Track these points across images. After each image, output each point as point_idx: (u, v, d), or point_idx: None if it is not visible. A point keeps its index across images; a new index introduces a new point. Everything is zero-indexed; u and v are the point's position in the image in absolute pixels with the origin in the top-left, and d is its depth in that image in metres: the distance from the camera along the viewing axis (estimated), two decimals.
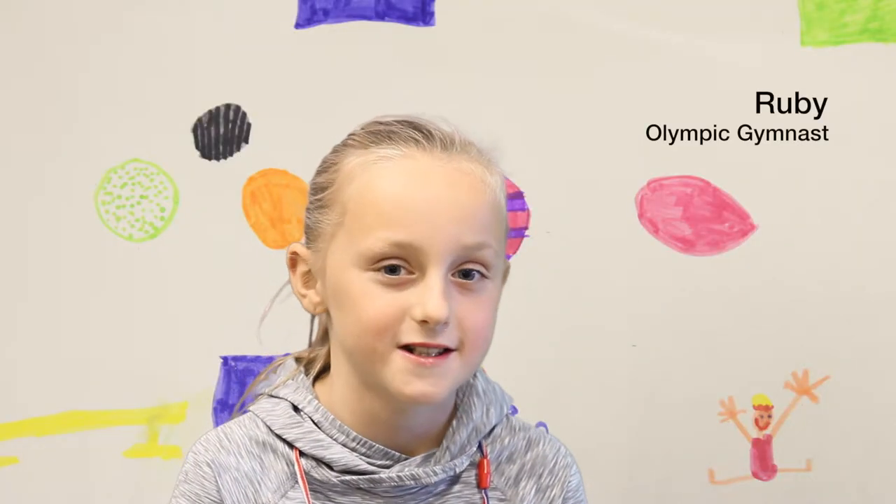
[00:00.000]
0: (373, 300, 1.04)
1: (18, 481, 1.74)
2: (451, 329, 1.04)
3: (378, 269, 1.04)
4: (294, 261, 1.14)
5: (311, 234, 1.12)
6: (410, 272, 1.04)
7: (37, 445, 1.74)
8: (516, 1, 1.72)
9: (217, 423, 1.73)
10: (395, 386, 1.05)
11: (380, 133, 1.09)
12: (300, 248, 1.13)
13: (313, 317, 1.20)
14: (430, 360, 1.04)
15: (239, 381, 1.72)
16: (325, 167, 1.12)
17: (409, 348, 1.04)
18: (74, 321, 1.74)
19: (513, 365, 1.68)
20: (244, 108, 1.74)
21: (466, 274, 1.06)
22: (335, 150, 1.13)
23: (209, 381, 1.74)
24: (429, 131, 1.09)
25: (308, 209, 1.13)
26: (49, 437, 1.74)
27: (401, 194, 1.05)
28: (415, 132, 1.09)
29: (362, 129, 1.12)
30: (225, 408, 1.73)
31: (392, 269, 1.04)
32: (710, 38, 1.70)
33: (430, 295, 1.03)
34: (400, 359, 1.04)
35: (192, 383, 1.73)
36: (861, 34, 1.68)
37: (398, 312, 1.04)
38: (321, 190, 1.11)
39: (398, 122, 1.10)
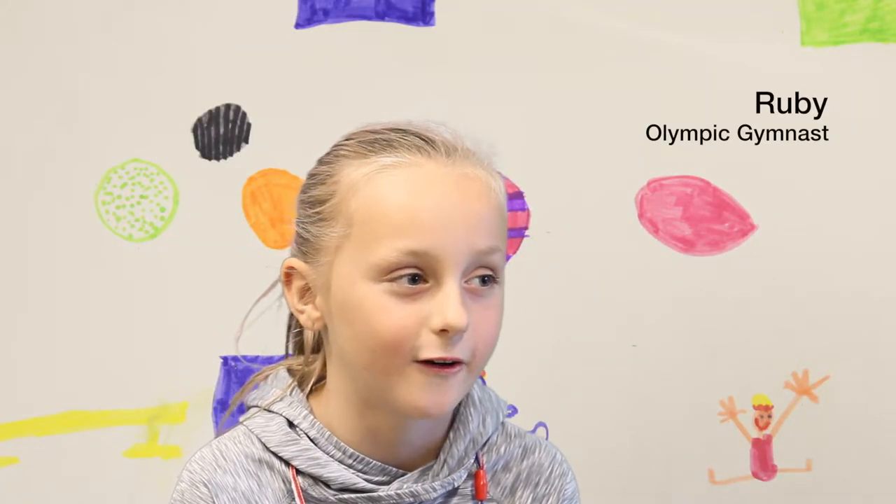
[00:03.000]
0: (389, 313, 1.02)
1: (18, 481, 1.74)
2: (467, 338, 1.03)
3: (392, 280, 1.02)
4: (290, 275, 1.11)
5: (311, 248, 1.09)
6: (424, 281, 1.03)
7: (37, 445, 1.74)
8: (516, 1, 1.72)
9: (217, 423, 1.73)
10: (410, 398, 1.03)
11: (377, 142, 1.07)
12: (297, 263, 1.10)
13: (289, 328, 1.18)
14: (446, 368, 1.03)
15: (239, 381, 1.72)
16: (321, 179, 1.09)
17: (425, 362, 1.03)
18: (74, 321, 1.74)
19: (513, 365, 1.68)
20: (244, 108, 1.74)
21: (483, 281, 1.05)
22: (326, 162, 1.10)
23: (209, 381, 1.74)
24: (429, 137, 1.07)
25: (303, 223, 1.10)
26: (49, 437, 1.74)
27: (412, 203, 1.03)
28: (415, 139, 1.07)
29: (352, 139, 1.10)
30: (225, 408, 1.73)
31: (413, 279, 1.02)
32: (710, 38, 1.70)
33: (449, 303, 1.02)
34: (417, 372, 1.03)
35: (192, 383, 1.73)
36: (861, 34, 1.68)
37: (415, 324, 1.02)
38: (320, 203, 1.08)
39: (392, 129, 1.09)
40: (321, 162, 1.11)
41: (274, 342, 1.22)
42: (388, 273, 1.03)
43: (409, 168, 1.05)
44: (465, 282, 1.04)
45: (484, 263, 1.05)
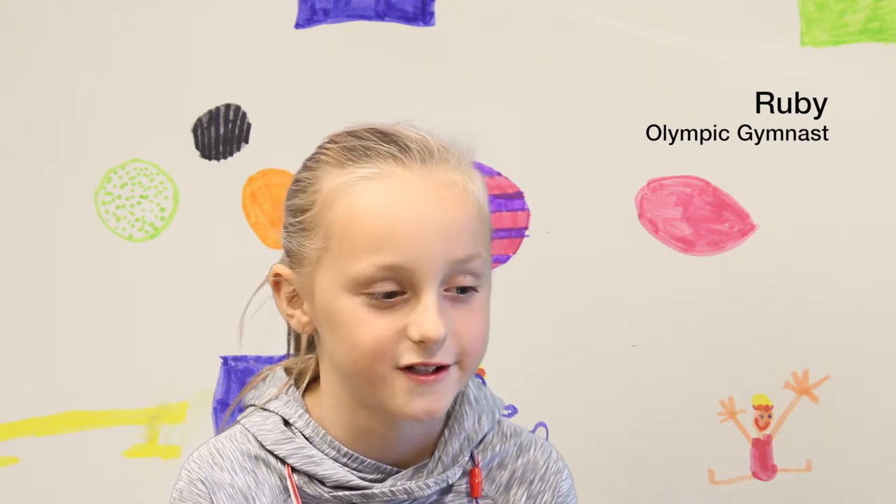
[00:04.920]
0: (368, 325, 1.03)
1: (18, 481, 1.74)
2: (449, 345, 1.04)
3: (370, 294, 1.03)
4: (278, 282, 1.12)
5: (295, 256, 1.10)
6: (403, 292, 1.04)
7: (37, 445, 1.74)
8: (516, 1, 1.71)
9: (217, 423, 1.73)
10: (396, 406, 1.04)
11: (356, 149, 1.08)
12: (283, 269, 1.11)
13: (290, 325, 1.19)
14: (431, 377, 1.04)
15: (239, 381, 1.72)
16: (303, 187, 1.11)
17: (408, 367, 1.04)
18: (74, 321, 1.74)
19: (513, 365, 1.68)
20: (244, 108, 1.74)
21: (462, 290, 1.06)
22: (308, 167, 1.12)
23: (209, 381, 1.74)
24: (406, 144, 1.07)
25: (288, 231, 1.11)
26: (49, 437, 1.74)
27: (387, 217, 1.04)
28: (391, 147, 1.07)
29: (334, 143, 1.10)
30: (225, 408, 1.73)
31: (389, 295, 1.03)
32: (710, 38, 1.70)
33: (425, 315, 1.02)
34: (400, 379, 1.04)
35: (192, 383, 1.74)
36: (861, 34, 1.68)
37: (394, 335, 1.03)
38: (301, 212, 1.09)
39: (372, 133, 1.09)
40: (305, 167, 1.13)
41: (274, 342, 1.23)
42: (365, 287, 1.04)
43: (384, 180, 1.05)
44: (445, 290, 1.05)
45: (464, 271, 1.05)
